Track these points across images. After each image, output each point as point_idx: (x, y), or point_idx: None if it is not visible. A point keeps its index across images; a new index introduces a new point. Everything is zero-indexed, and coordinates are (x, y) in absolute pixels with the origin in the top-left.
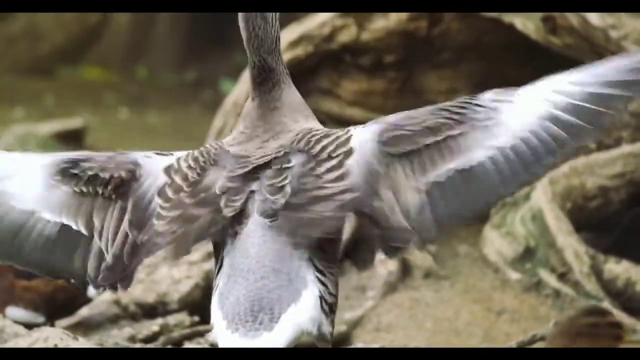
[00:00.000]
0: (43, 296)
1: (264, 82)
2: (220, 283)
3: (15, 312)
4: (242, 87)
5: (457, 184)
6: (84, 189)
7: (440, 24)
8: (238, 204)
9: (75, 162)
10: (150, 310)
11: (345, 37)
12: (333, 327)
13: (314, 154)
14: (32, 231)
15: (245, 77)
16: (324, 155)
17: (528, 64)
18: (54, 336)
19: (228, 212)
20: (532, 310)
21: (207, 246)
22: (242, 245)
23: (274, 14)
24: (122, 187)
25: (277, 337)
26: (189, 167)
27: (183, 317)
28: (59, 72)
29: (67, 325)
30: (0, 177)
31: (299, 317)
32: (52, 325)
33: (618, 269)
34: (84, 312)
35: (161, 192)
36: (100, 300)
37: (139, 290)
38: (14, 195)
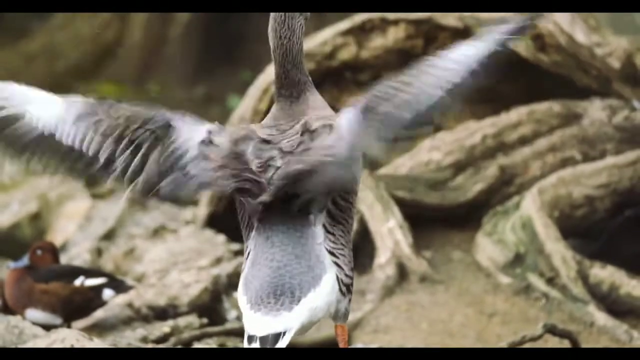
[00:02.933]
0: (60, 299)
1: (287, 94)
2: (245, 270)
3: (34, 314)
4: (248, 103)
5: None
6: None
7: (435, 42)
8: (265, 193)
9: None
10: (161, 313)
11: (345, 55)
12: (349, 305)
13: (310, 130)
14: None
15: (251, 93)
16: (317, 129)
17: (518, 79)
18: (70, 337)
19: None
20: (522, 312)
21: (215, 252)
22: (267, 232)
23: (300, 25)
24: (155, 137)
25: (296, 318)
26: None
27: (192, 319)
28: (75, 88)
29: (83, 327)
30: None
31: (317, 301)
32: (69, 326)
33: (603, 273)
34: (99, 314)
35: (200, 151)
36: (115, 303)
37: (151, 294)
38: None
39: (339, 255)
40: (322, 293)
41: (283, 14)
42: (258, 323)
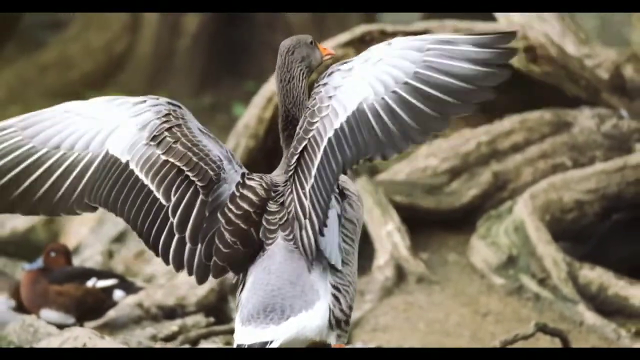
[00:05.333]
0: (74, 300)
1: (292, 135)
2: (242, 299)
3: (48, 313)
4: (252, 111)
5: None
6: (173, 161)
7: None
8: (274, 234)
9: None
10: (170, 312)
11: None
12: (344, 339)
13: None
14: (126, 184)
15: (256, 102)
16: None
17: (511, 89)
18: (83, 336)
19: (265, 239)
20: (514, 312)
21: None
22: (265, 264)
23: (300, 70)
24: (208, 183)
25: (282, 332)
26: (258, 186)
27: (200, 319)
28: (87, 97)
29: (95, 326)
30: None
31: (306, 322)
32: (82, 325)
33: (592, 274)
34: (110, 314)
35: (232, 200)
36: (125, 303)
37: (160, 294)
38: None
39: (343, 291)
40: (313, 316)
41: (286, 60)
42: (247, 334)
